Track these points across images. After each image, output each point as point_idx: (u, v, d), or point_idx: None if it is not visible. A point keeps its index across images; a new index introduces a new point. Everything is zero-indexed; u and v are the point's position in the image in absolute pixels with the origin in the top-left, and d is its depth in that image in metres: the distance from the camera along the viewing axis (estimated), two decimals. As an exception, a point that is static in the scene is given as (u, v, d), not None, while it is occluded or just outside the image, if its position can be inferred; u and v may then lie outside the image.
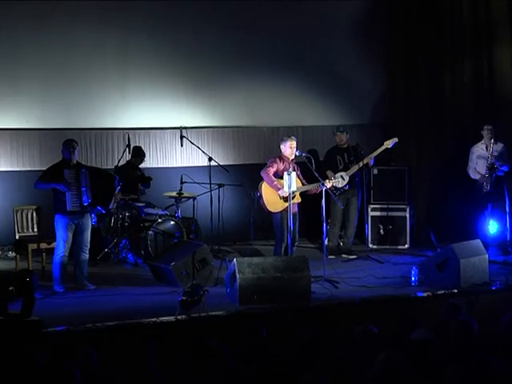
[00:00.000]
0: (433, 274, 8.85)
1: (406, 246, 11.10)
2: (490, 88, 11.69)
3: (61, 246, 8.64)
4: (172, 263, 8.77)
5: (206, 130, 11.40)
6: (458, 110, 11.74)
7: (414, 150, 11.80)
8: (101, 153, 10.92)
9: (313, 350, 5.58)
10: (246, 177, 10.98)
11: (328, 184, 9.41)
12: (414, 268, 8.93)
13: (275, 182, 9.24)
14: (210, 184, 10.35)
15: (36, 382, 5.23)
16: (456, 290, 8.54)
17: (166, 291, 8.53)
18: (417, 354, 5.37)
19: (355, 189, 10.51)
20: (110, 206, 9.36)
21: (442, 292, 8.49)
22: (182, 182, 10.45)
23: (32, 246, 9.27)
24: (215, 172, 10.55)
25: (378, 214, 11.18)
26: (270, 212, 9.36)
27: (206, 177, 10.40)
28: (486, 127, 10.56)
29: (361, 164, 10.30)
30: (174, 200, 10.46)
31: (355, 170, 10.37)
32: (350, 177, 10.34)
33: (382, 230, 11.17)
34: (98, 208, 8.83)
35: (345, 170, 10.37)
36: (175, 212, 10.38)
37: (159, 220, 10.07)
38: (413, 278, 8.86)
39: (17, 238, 9.55)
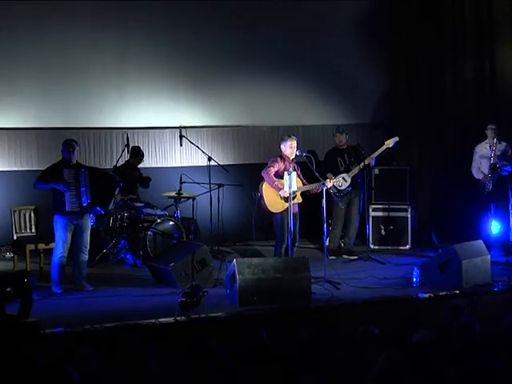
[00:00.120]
0: (434, 274, 8.85)
1: (408, 246, 11.09)
2: (491, 87, 11.70)
3: (60, 247, 8.64)
4: (171, 264, 8.77)
5: (205, 129, 11.41)
6: (459, 109, 11.75)
7: (416, 149, 11.81)
8: (99, 153, 10.93)
9: (313, 351, 5.58)
10: (245, 177, 10.98)
11: (329, 184, 9.41)
12: (415, 269, 8.93)
13: (276, 183, 9.24)
14: (210, 184, 10.35)
15: (34, 383, 5.23)
16: (458, 291, 8.54)
17: (165, 292, 8.53)
18: (418, 356, 5.37)
19: (357, 189, 10.52)
20: (110, 207, 9.36)
21: (444, 293, 8.49)
22: (181, 182, 10.45)
23: (30, 247, 9.26)
24: (215, 172, 10.55)
25: (379, 214, 11.18)
26: (271, 212, 9.36)
27: (205, 177, 10.40)
28: (489, 126, 10.57)
29: (362, 165, 10.29)
30: (173, 200, 10.46)
31: (357, 171, 10.36)
32: (351, 178, 10.33)
33: (383, 231, 11.17)
34: (97, 209, 8.83)
35: (346, 171, 10.36)
36: (174, 212, 10.38)
37: (158, 220, 10.07)
38: (414, 279, 8.86)
39: (14, 238, 9.55)
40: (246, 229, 10.61)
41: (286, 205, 9.06)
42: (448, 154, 11.73)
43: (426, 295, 8.50)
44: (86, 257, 8.79)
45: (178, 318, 7.47)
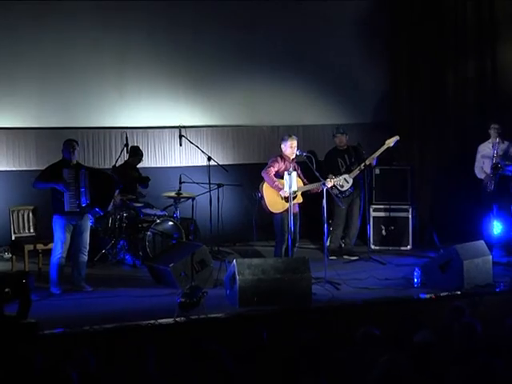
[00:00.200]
0: (436, 275, 8.85)
1: (409, 246, 11.09)
2: (493, 87, 11.70)
3: (58, 247, 8.64)
4: (171, 264, 8.77)
5: (205, 129, 11.40)
6: (461, 109, 11.75)
7: (417, 149, 11.80)
8: (98, 152, 10.92)
9: (314, 352, 5.58)
10: (245, 177, 10.97)
11: (329, 183, 9.41)
12: (416, 269, 8.93)
13: (276, 183, 9.24)
14: (209, 184, 10.34)
15: (32, 385, 5.24)
16: (459, 292, 8.53)
17: (164, 293, 8.52)
18: (419, 357, 5.37)
19: (358, 189, 10.51)
20: (109, 209, 9.36)
21: (445, 294, 8.49)
22: (180, 182, 10.45)
23: (28, 247, 9.26)
24: (214, 172, 10.55)
25: (380, 214, 11.18)
26: (271, 213, 9.36)
27: (205, 177, 10.39)
28: (492, 126, 10.57)
29: (363, 166, 10.28)
30: (172, 200, 10.45)
31: (358, 172, 10.35)
32: (353, 178, 10.33)
33: (384, 231, 11.17)
34: (96, 210, 8.82)
35: (347, 172, 10.34)
36: (174, 212, 10.37)
37: (157, 220, 10.06)
38: (415, 280, 8.86)
39: (13, 238, 9.54)
40: (245, 229, 10.60)
41: (287, 205, 9.05)
42: (449, 153, 11.73)
43: (427, 296, 8.50)
44: (85, 257, 8.78)
45: (178, 319, 7.47)
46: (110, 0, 10.74)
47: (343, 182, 10.13)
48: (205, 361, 5.33)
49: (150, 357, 5.72)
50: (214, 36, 11.25)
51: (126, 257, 10.14)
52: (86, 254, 8.79)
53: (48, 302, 8.25)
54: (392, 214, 11.14)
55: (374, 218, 11.11)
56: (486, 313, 7.83)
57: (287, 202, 9.03)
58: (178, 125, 10.75)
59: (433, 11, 11.63)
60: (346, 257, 10.50)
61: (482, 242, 9.18)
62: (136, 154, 10.65)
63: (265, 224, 9.99)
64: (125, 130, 10.73)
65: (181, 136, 10.62)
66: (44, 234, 9.36)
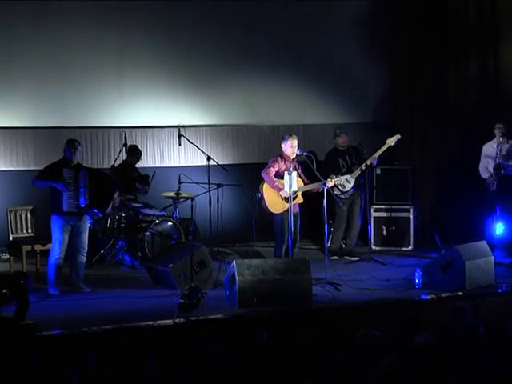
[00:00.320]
0: (437, 276, 8.84)
1: (410, 247, 11.08)
2: (495, 86, 11.69)
3: (56, 248, 8.64)
4: (170, 265, 8.76)
5: (204, 128, 11.40)
6: (462, 108, 11.74)
7: (418, 149, 11.80)
8: (97, 152, 10.91)
9: (314, 353, 5.58)
10: (245, 176, 10.97)
11: (330, 183, 9.41)
12: (417, 270, 8.92)
13: (276, 183, 9.23)
14: (209, 184, 10.33)
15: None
16: (461, 293, 8.53)
17: (163, 294, 8.51)
18: (420, 359, 5.36)
19: (359, 189, 10.51)
20: (107, 211, 9.36)
21: (447, 295, 8.49)
22: (179, 182, 10.44)
23: (26, 248, 9.26)
24: (214, 172, 10.54)
25: (380, 214, 11.17)
26: (272, 213, 9.36)
27: (204, 176, 10.39)
28: (497, 125, 10.55)
29: (363, 166, 10.28)
30: (171, 200, 10.45)
31: (359, 172, 10.35)
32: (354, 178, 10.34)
33: (385, 231, 11.16)
34: (95, 211, 8.82)
35: (348, 172, 10.33)
36: (173, 213, 10.37)
37: (156, 221, 10.06)
38: (416, 281, 8.85)
39: (10, 239, 9.54)
40: (245, 229, 10.60)
41: (287, 205, 9.05)
42: (451, 153, 11.72)
43: (429, 297, 8.50)
44: (83, 258, 8.78)
45: (177, 320, 7.47)
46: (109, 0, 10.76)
47: (344, 182, 10.12)
48: (204, 362, 5.33)
49: (149, 358, 5.72)
50: (213, 35, 11.25)
51: (125, 257, 10.13)
52: (85, 254, 8.79)
53: (46, 303, 8.24)
54: (393, 214, 11.14)
55: (374, 218, 11.11)
56: (488, 314, 7.83)
57: (287, 202, 9.03)
58: (177, 124, 10.75)
59: (434, 10, 11.62)
60: (346, 257, 10.50)
61: (484, 242, 9.18)
62: (134, 153, 10.64)
63: (265, 224, 9.99)
64: (124, 129, 10.72)
65: (180, 135, 10.61)
66: (43, 234, 9.35)
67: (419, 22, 11.65)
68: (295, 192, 9.11)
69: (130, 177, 10.45)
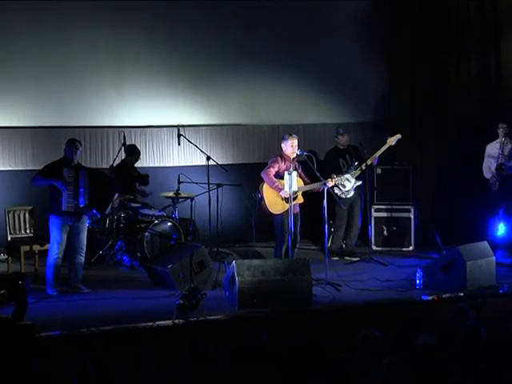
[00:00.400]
0: (438, 276, 8.84)
1: (411, 247, 11.08)
2: (496, 85, 11.69)
3: (54, 248, 8.63)
4: (169, 266, 8.76)
5: (204, 128, 11.39)
6: (463, 107, 11.74)
7: (419, 148, 11.80)
8: (95, 152, 10.90)
9: (314, 354, 5.57)
10: (245, 176, 10.97)
11: (330, 183, 9.40)
12: (418, 270, 8.92)
13: (276, 183, 9.23)
14: (209, 184, 10.33)
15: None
16: (462, 294, 8.53)
17: (162, 295, 8.52)
18: (421, 360, 5.36)
19: (359, 189, 10.51)
20: (106, 212, 9.33)
21: (448, 295, 8.49)
22: (179, 182, 10.44)
23: (24, 248, 9.26)
24: (213, 171, 10.53)
25: (381, 214, 11.17)
26: (272, 214, 9.35)
27: (204, 176, 10.38)
28: (500, 125, 10.53)
29: (364, 166, 10.28)
30: (171, 200, 10.44)
31: (360, 172, 10.34)
32: (354, 178, 10.34)
33: (385, 232, 11.16)
34: (94, 211, 8.81)
35: (349, 172, 10.33)
36: (172, 213, 10.37)
37: (156, 221, 10.06)
38: (417, 281, 8.85)
39: (9, 239, 9.54)
40: (245, 230, 10.59)
41: (287, 206, 9.04)
42: (451, 153, 11.72)
43: (430, 298, 8.50)
44: (82, 259, 8.78)
45: (176, 321, 7.47)
46: (107, -1, 10.77)
47: (345, 181, 10.12)
48: (204, 363, 5.33)
49: (149, 359, 5.72)
50: (213, 34, 11.24)
51: (124, 258, 10.13)
52: (83, 255, 8.78)
53: (44, 304, 8.24)
54: (394, 215, 11.13)
55: (375, 218, 11.10)
56: (489, 315, 7.83)
57: (288, 202, 9.02)
58: (176, 124, 10.74)
59: (434, 9, 11.62)
60: (347, 258, 10.50)
61: (486, 242, 9.18)
62: (133, 152, 10.63)
63: (265, 224, 9.98)
64: (123, 129, 10.70)
65: (179, 135, 10.60)
66: (43, 235, 9.34)
67: (419, 21, 11.65)
68: (295, 192, 9.11)
69: (129, 177, 10.44)
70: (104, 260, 10.06)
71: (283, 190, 9.13)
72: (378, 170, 11.17)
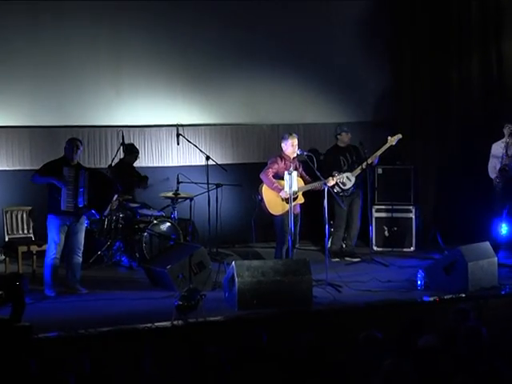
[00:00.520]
0: (440, 277, 8.83)
1: (412, 248, 11.08)
2: (498, 84, 11.69)
3: (52, 248, 8.62)
4: (168, 266, 8.75)
5: (203, 127, 11.39)
6: (465, 107, 11.73)
7: (420, 148, 11.79)
8: (94, 151, 10.89)
9: (314, 356, 5.57)
10: (244, 176, 10.96)
11: (331, 181, 9.40)
12: (419, 271, 8.91)
13: (275, 184, 9.22)
14: (208, 184, 10.32)
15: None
16: (464, 295, 8.52)
17: (161, 295, 8.51)
18: (423, 362, 5.36)
19: (358, 188, 10.52)
20: (105, 213, 9.33)
21: (450, 296, 8.48)
22: (178, 182, 10.44)
23: (22, 249, 9.25)
24: (213, 171, 10.53)
25: (382, 215, 11.17)
26: (272, 215, 9.35)
27: (203, 176, 10.38)
28: (506, 125, 10.52)
29: (365, 165, 10.29)
30: (170, 201, 10.44)
31: (360, 171, 10.35)
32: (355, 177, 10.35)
33: (386, 232, 11.16)
34: (93, 212, 8.80)
35: (349, 170, 10.34)
36: (171, 213, 10.36)
37: (155, 221, 10.06)
38: (419, 282, 8.85)
39: (6, 239, 9.53)
40: (245, 230, 10.59)
41: (287, 206, 9.03)
42: (453, 152, 11.72)
43: (431, 299, 8.49)
44: (79, 259, 8.77)
45: (175, 323, 7.46)
46: (107, -2, 10.77)
47: (345, 179, 10.14)
48: (203, 364, 5.33)
49: (147, 360, 5.72)
50: (213, 33, 11.24)
51: (123, 258, 10.13)
52: (80, 255, 8.77)
53: (42, 305, 8.24)
54: (395, 215, 11.13)
55: (376, 218, 11.10)
56: (491, 316, 7.83)
57: (288, 203, 9.01)
58: (175, 123, 10.74)
59: (435, 8, 11.62)
60: (347, 258, 10.50)
61: (487, 243, 9.17)
62: (132, 151, 10.63)
63: (264, 225, 9.98)
64: (121, 128, 10.71)
65: (178, 135, 10.61)
66: (41, 235, 9.34)
67: (420, 20, 11.65)
68: (295, 192, 9.10)
69: (127, 176, 10.44)
70: (102, 261, 10.06)
71: (283, 191, 9.13)
72: (379, 170, 11.16)
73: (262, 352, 5.81)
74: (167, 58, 11.13)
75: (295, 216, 9.14)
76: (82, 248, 8.79)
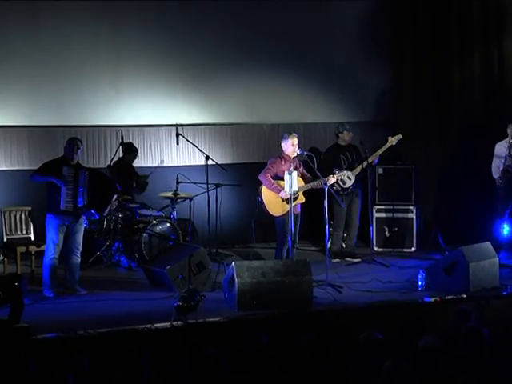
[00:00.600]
0: (440, 278, 8.83)
1: (413, 248, 11.08)
2: (500, 83, 11.69)
3: (51, 248, 8.62)
4: (167, 267, 8.76)
5: (203, 127, 11.39)
6: (466, 107, 11.73)
7: (421, 148, 11.79)
8: (92, 151, 10.88)
9: (315, 357, 5.57)
10: (244, 176, 10.96)
11: (331, 179, 9.41)
12: (420, 272, 8.92)
13: (274, 185, 9.22)
14: (208, 184, 10.32)
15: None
16: (465, 295, 8.52)
17: (161, 296, 8.51)
18: (424, 363, 5.36)
19: (357, 188, 10.53)
20: (105, 213, 9.33)
21: (450, 297, 8.49)
22: (177, 182, 10.43)
23: (21, 249, 9.25)
24: (212, 171, 10.53)
25: (383, 215, 11.16)
26: (273, 216, 9.34)
27: (202, 176, 10.37)
28: (510, 125, 10.52)
29: (365, 164, 10.30)
30: (169, 201, 10.44)
31: (360, 170, 10.36)
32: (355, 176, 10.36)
33: (387, 232, 11.15)
34: (92, 211, 8.80)
35: (349, 169, 10.36)
36: (171, 213, 10.36)
37: (154, 222, 10.05)
38: (419, 283, 8.85)
39: (5, 240, 9.53)
40: (245, 230, 10.58)
41: (288, 206, 9.03)
42: (454, 152, 11.72)
43: (432, 299, 8.49)
44: (78, 259, 8.77)
45: (175, 323, 7.46)
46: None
47: (346, 178, 10.15)
48: (203, 366, 5.33)
49: (146, 362, 5.72)
50: (213, 32, 11.24)
51: (122, 259, 10.12)
52: (79, 255, 8.77)
53: (41, 306, 8.24)
54: (395, 215, 11.13)
55: (376, 218, 11.10)
56: (492, 317, 7.82)
57: (288, 203, 9.01)
58: (175, 123, 10.74)
59: (437, 8, 11.62)
60: (348, 259, 10.50)
61: (489, 243, 9.17)
62: (130, 150, 10.62)
63: (264, 225, 9.98)
64: (120, 128, 10.70)
65: (178, 134, 10.60)
66: (39, 235, 9.34)
67: (421, 20, 11.65)
68: (295, 192, 9.10)
69: (127, 176, 10.43)
70: (101, 261, 10.05)
71: (282, 191, 9.13)
72: (380, 170, 11.16)
73: (262, 353, 5.82)
74: (167, 57, 11.12)
75: (296, 216, 9.14)
76: (81, 248, 8.79)
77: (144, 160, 11.05)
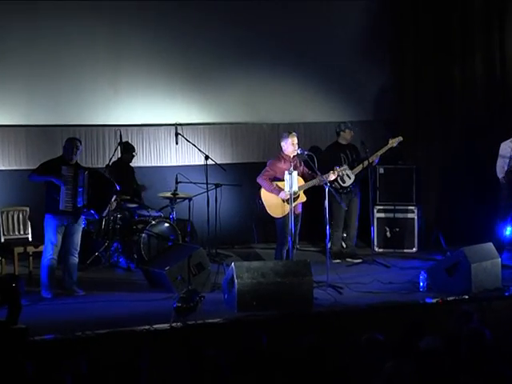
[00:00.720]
0: (442, 278, 8.83)
1: (414, 249, 11.08)
2: (502, 83, 11.69)
3: (49, 249, 8.62)
4: (166, 268, 8.75)
5: (202, 126, 11.39)
6: (468, 107, 11.73)
7: (422, 148, 11.79)
8: (91, 151, 10.88)
9: (315, 358, 5.57)
10: (244, 176, 10.96)
11: (332, 176, 9.41)
12: (422, 273, 8.91)
13: (273, 187, 9.22)
14: (207, 184, 10.32)
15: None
16: (467, 296, 8.52)
17: (160, 297, 8.51)
18: (425, 364, 5.36)
19: (356, 187, 10.54)
20: (104, 214, 9.34)
21: (452, 298, 8.48)
22: (177, 182, 10.43)
23: (18, 250, 9.26)
24: (212, 171, 10.53)
25: (384, 215, 11.16)
26: (274, 217, 9.34)
27: (202, 176, 10.38)
28: None
29: (365, 163, 10.30)
30: (168, 201, 10.44)
31: (360, 169, 10.38)
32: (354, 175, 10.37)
33: (388, 233, 11.15)
34: (92, 212, 8.80)
35: (350, 168, 10.36)
36: (170, 213, 10.36)
37: (153, 222, 10.05)
38: (421, 284, 8.84)
39: (2, 240, 9.53)
40: (244, 231, 10.61)
41: (288, 207, 9.02)
42: (456, 153, 11.72)
43: (434, 300, 8.49)
44: (75, 260, 8.76)
45: (174, 325, 7.46)
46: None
47: (345, 175, 10.16)
48: (202, 367, 5.33)
49: (145, 363, 5.72)
50: (212, 32, 11.24)
51: (120, 260, 10.12)
52: (77, 256, 8.76)
53: (39, 307, 8.23)
54: (397, 215, 11.13)
55: (377, 219, 11.10)
56: (494, 318, 7.82)
57: (289, 203, 9.00)
58: (174, 122, 10.74)
59: (438, 8, 11.62)
60: (348, 260, 10.51)
61: (491, 244, 9.16)
62: (127, 149, 10.61)
63: (264, 225, 9.99)
64: (119, 127, 10.70)
65: (177, 134, 10.60)
66: (37, 236, 9.34)
67: (423, 21, 11.66)
68: (296, 192, 9.09)
69: (126, 175, 10.43)
70: (100, 262, 10.06)
71: (282, 192, 9.13)
72: (381, 170, 11.16)
73: (262, 354, 5.81)
74: (166, 56, 11.13)
75: (296, 216, 9.14)
76: (79, 249, 8.78)
77: (143, 160, 11.05)
